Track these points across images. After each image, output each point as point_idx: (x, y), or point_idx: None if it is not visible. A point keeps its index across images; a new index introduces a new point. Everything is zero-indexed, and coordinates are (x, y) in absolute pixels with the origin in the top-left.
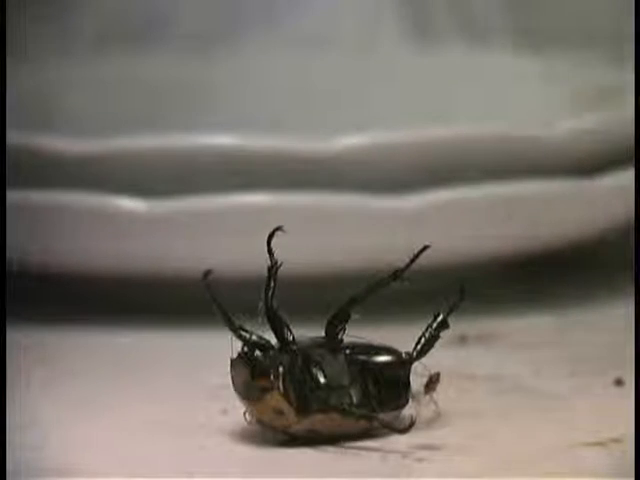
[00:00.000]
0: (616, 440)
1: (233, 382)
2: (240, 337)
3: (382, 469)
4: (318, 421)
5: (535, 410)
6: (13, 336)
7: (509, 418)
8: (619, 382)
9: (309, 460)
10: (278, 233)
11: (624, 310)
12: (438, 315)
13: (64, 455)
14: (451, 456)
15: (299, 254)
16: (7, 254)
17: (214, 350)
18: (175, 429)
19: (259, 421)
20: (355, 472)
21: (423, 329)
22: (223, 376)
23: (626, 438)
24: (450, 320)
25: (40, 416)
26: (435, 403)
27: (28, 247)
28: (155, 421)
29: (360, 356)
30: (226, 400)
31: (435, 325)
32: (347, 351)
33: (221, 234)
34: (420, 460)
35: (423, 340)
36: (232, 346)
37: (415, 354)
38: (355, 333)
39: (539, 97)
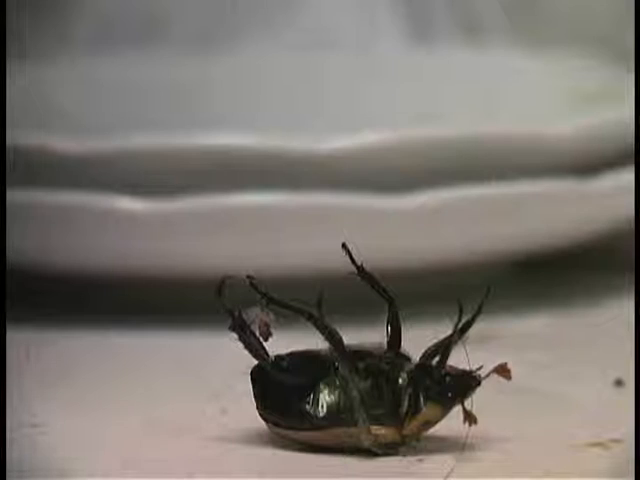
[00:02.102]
0: (616, 441)
1: None
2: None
3: (382, 469)
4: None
5: (535, 410)
6: (13, 336)
7: (509, 418)
8: (619, 383)
9: (309, 459)
10: (277, 234)
11: (624, 310)
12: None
13: (64, 455)
14: (450, 456)
15: (297, 253)
16: (7, 253)
17: (214, 349)
18: (175, 429)
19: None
20: (355, 472)
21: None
22: (223, 376)
23: (626, 439)
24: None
25: (40, 416)
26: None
27: (28, 246)
28: (155, 420)
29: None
30: (226, 400)
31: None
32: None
33: (220, 234)
34: (421, 460)
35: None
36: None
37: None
38: (354, 333)
39: (539, 96)
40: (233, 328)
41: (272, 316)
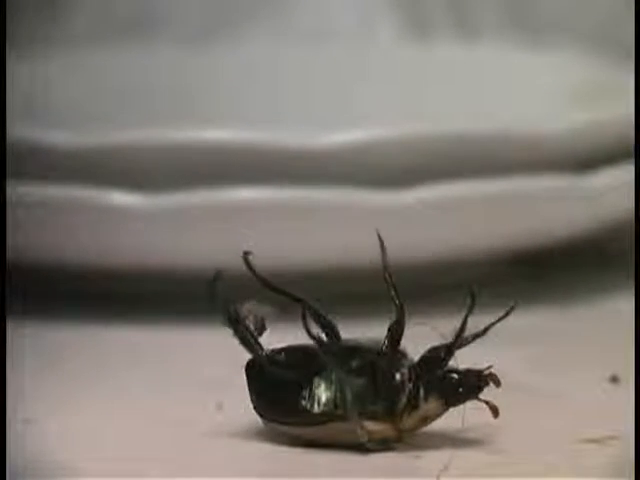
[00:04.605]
0: (612, 437)
1: None
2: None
3: (377, 465)
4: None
5: (532, 407)
6: (12, 334)
7: (507, 414)
8: (614, 379)
9: (304, 455)
10: (272, 228)
11: (623, 307)
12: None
13: (64, 455)
14: (445, 452)
15: (292, 249)
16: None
17: (211, 343)
18: (171, 424)
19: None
20: (349, 468)
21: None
22: (220, 370)
23: (622, 435)
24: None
25: (40, 416)
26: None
27: (23, 241)
28: (154, 417)
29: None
30: (222, 394)
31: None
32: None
33: (215, 228)
34: (417, 457)
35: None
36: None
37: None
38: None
39: (537, 93)
40: (227, 323)
41: (267, 309)
